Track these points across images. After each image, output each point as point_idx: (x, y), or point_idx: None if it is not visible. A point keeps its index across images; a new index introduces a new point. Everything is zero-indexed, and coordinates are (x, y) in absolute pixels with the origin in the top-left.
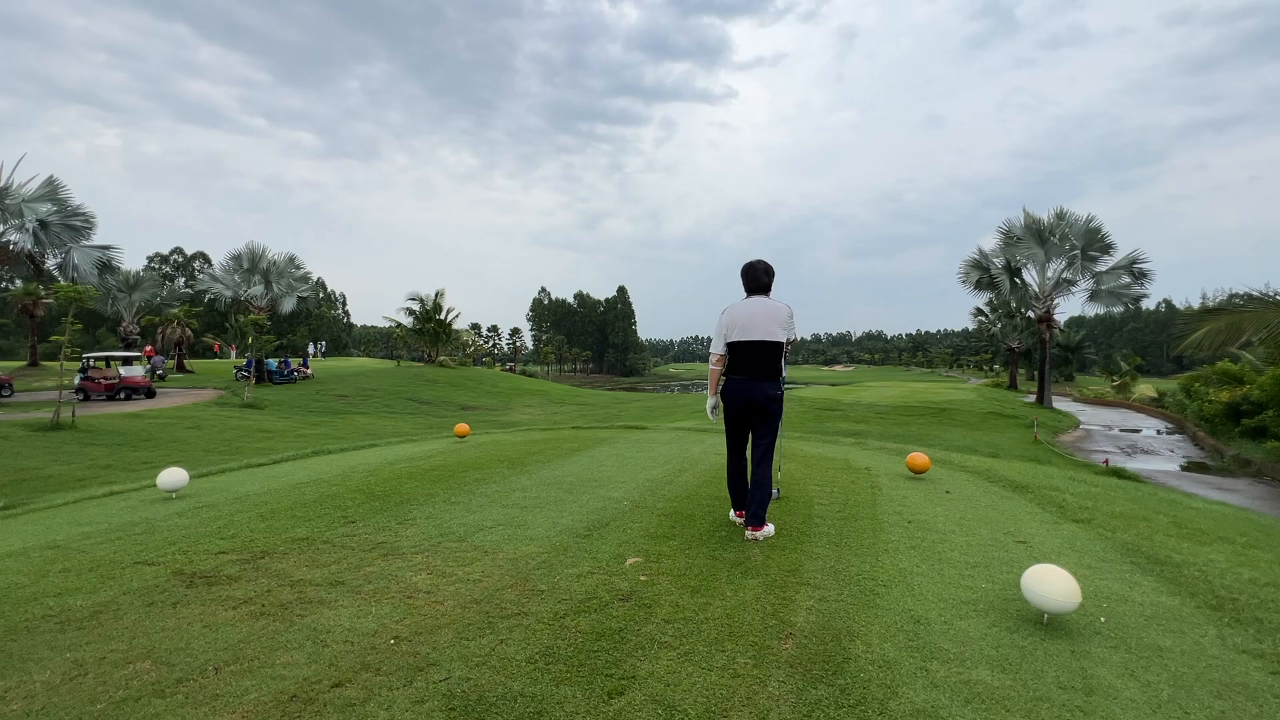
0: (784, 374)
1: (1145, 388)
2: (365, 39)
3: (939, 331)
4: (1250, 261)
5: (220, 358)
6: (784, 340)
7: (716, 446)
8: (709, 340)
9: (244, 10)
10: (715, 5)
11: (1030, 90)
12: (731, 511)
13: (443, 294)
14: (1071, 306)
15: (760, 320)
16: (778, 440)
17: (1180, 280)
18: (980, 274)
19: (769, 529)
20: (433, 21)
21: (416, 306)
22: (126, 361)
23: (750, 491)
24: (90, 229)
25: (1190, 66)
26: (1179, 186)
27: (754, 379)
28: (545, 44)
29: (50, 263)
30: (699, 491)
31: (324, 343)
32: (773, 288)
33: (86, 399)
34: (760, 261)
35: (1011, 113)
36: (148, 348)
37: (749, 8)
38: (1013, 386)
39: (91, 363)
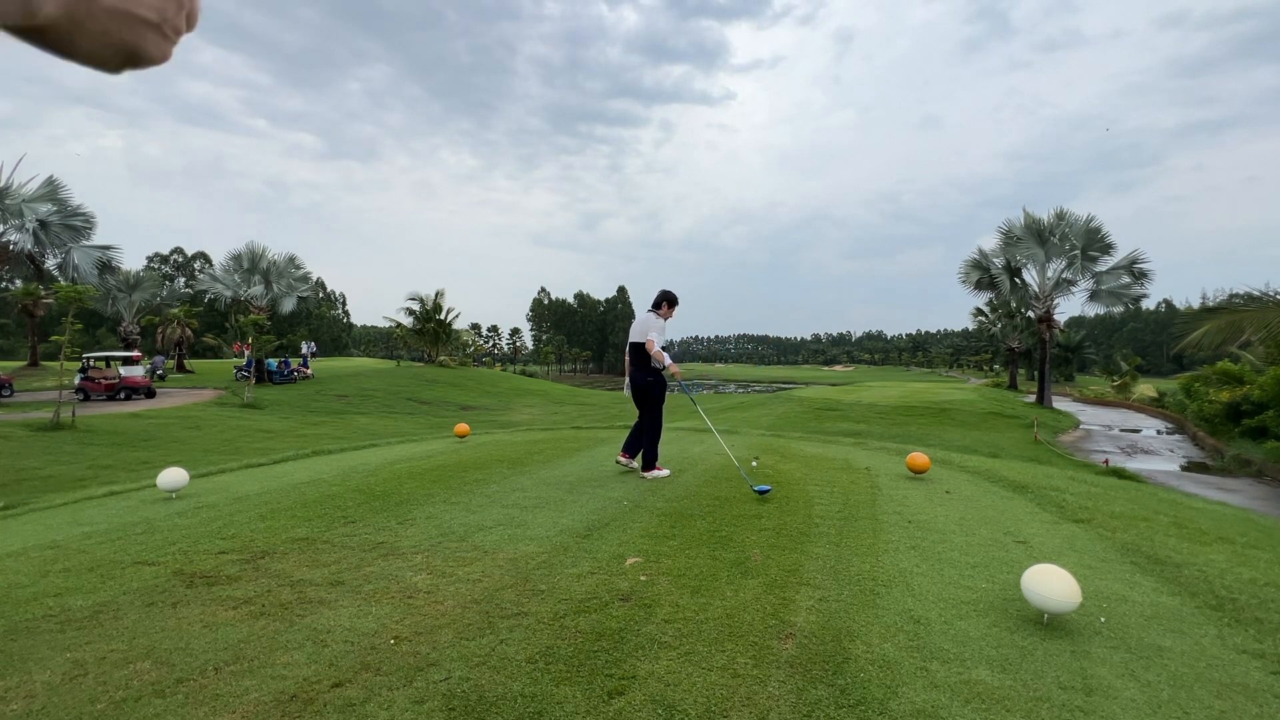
0: (657, 365)
1: (1145, 388)
2: (366, 42)
3: (939, 332)
4: (1249, 262)
5: (241, 358)
6: (643, 342)
7: (715, 447)
8: (709, 340)
9: (246, 13)
10: (713, 9)
11: (1027, 92)
12: (620, 454)
13: (443, 294)
14: (1071, 306)
15: (637, 329)
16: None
17: (1180, 280)
18: (980, 274)
19: (658, 473)
20: (433, 25)
21: (416, 306)
22: (126, 361)
23: (639, 441)
24: (90, 229)
25: (1185, 69)
26: (1176, 187)
27: (633, 369)
28: (545, 47)
29: (50, 263)
30: (699, 491)
31: (313, 344)
32: (664, 304)
33: (86, 399)
34: (661, 290)
35: (1008, 114)
36: (135, 353)
37: (747, 11)
38: (1013, 386)
39: (91, 363)
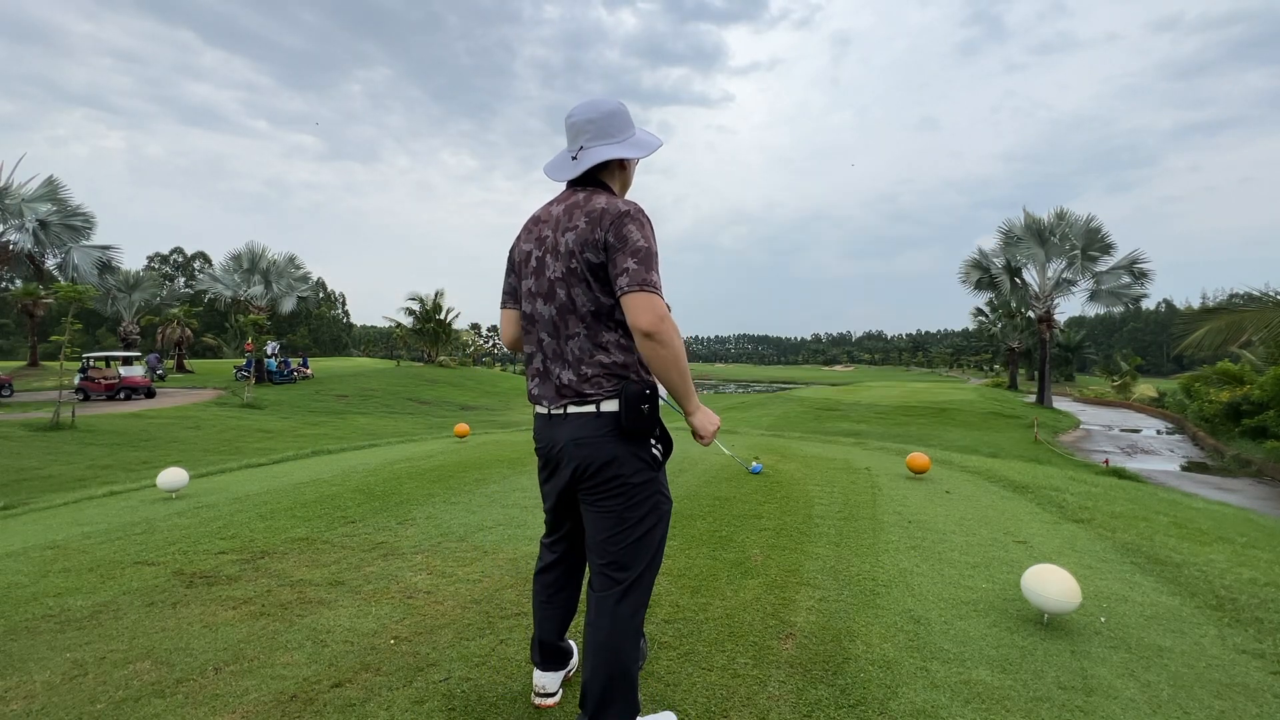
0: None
1: (1145, 388)
2: (367, 44)
3: (939, 331)
4: (1248, 262)
5: (254, 355)
6: None
7: (716, 447)
8: (709, 340)
9: (247, 16)
10: (711, 12)
11: (1022, 94)
12: None
13: (443, 294)
14: (1071, 306)
15: None
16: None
17: (1179, 280)
18: (980, 274)
19: None
20: (434, 28)
21: (416, 306)
22: (126, 361)
23: None
24: (90, 229)
25: (1179, 71)
26: (1173, 188)
27: None
28: (544, 50)
29: (50, 263)
30: (699, 491)
31: (277, 344)
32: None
33: (86, 399)
34: None
35: (1004, 116)
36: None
37: (744, 15)
38: (1013, 386)
39: (91, 363)
